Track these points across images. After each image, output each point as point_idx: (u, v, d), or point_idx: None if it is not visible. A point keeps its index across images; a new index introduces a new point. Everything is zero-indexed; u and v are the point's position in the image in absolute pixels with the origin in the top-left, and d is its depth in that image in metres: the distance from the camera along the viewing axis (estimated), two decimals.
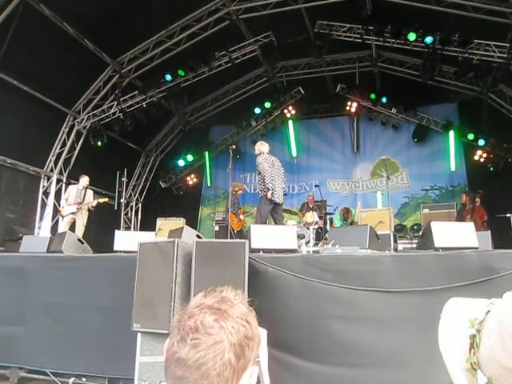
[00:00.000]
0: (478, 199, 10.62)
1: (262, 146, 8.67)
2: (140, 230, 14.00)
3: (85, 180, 10.29)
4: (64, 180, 12.44)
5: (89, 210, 10.20)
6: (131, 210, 15.66)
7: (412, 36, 10.31)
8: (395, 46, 11.04)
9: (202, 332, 0.95)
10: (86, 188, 10.31)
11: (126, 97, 12.63)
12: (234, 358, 0.95)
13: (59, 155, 12.38)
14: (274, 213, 8.58)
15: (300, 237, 7.69)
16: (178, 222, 11.38)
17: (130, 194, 15.57)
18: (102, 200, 10.32)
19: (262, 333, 1.16)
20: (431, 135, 13.52)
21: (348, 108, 13.86)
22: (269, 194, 8.18)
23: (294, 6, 10.92)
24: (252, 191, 15.07)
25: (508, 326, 0.72)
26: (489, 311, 0.81)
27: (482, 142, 12.45)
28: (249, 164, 15.29)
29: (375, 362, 4.17)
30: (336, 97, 13.85)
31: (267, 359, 1.15)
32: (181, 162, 15.45)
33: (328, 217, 10.74)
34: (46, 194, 12.14)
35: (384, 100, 13.50)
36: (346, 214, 10.76)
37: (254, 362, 1.02)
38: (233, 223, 10.62)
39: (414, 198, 13.42)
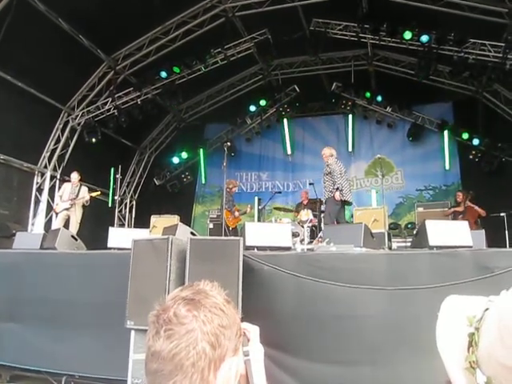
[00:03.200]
0: (468, 201, 10.66)
1: (331, 150, 9.22)
2: (134, 227, 13.95)
3: (74, 176, 10.26)
4: (58, 177, 12.38)
5: (83, 206, 10.16)
6: (125, 207, 15.61)
7: (408, 35, 10.31)
8: (391, 44, 11.06)
9: (174, 322, 0.95)
10: (81, 184, 10.27)
11: (120, 93, 12.57)
12: (209, 347, 0.94)
13: (53, 152, 12.32)
14: (338, 213, 8.73)
15: (294, 235, 7.70)
16: (173, 219, 11.33)
17: (125, 191, 15.52)
18: (94, 194, 10.28)
19: (254, 330, 1.14)
20: (426, 134, 13.54)
21: (343, 106, 13.83)
22: (337, 195, 8.35)
23: (290, 4, 10.90)
24: (248, 190, 15.07)
25: (507, 324, 0.72)
26: (487, 309, 0.80)
27: (476, 142, 12.46)
28: (244, 162, 15.29)
29: (370, 360, 4.17)
30: (331, 95, 13.82)
31: (262, 357, 1.13)
32: (175, 160, 15.40)
33: (323, 215, 10.73)
34: (40, 190, 12.08)
35: (379, 99, 13.50)
36: None
37: (233, 352, 1.01)
38: (228, 220, 10.63)
39: (408, 199, 13.42)
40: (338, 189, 8.46)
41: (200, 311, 0.97)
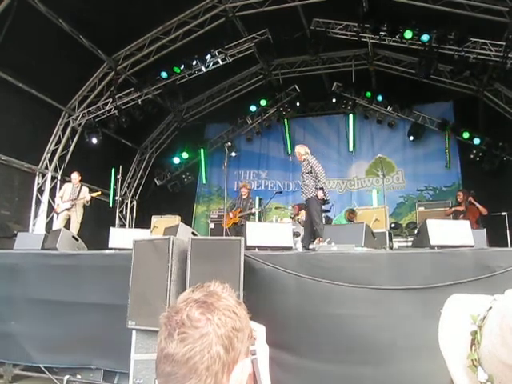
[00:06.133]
0: (470, 198, 10.63)
1: (305, 148, 8.91)
2: (135, 228, 13.96)
3: (74, 176, 10.27)
4: (59, 177, 12.39)
5: (84, 206, 10.16)
6: (126, 208, 15.62)
7: (408, 34, 10.29)
8: (391, 44, 11.04)
9: (188, 326, 0.94)
10: (81, 185, 10.27)
11: (121, 94, 12.57)
12: (223, 351, 0.94)
13: (54, 152, 12.32)
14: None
15: (295, 234, 7.70)
16: (173, 219, 11.33)
17: (125, 192, 15.52)
18: (95, 194, 10.28)
19: (260, 329, 1.14)
20: (427, 134, 13.51)
21: (344, 106, 13.82)
22: (320, 194, 8.24)
23: (291, 4, 10.90)
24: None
25: (509, 322, 0.72)
26: (491, 308, 0.80)
27: (477, 141, 12.44)
28: (243, 161, 15.30)
29: (371, 359, 4.17)
30: (332, 95, 13.82)
31: (267, 356, 1.13)
32: (176, 160, 15.39)
33: (324, 214, 10.72)
34: (41, 191, 12.09)
35: (380, 98, 13.48)
36: (352, 214, 10.95)
37: (245, 355, 1.00)
38: (223, 222, 10.76)
39: (409, 198, 13.41)
40: (322, 188, 8.38)
41: (214, 314, 0.96)
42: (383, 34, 10.72)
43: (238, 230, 10.55)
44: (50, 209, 11.76)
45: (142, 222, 13.13)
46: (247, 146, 15.45)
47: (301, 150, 8.90)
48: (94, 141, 12.50)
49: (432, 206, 11.87)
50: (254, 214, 11.31)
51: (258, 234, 5.33)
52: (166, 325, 0.97)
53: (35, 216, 11.77)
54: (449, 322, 0.86)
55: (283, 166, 15.06)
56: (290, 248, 5.29)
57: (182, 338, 0.93)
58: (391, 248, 7.03)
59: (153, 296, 4.25)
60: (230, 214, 11.22)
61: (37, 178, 12.04)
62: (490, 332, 0.76)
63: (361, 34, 11.12)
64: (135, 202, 16.09)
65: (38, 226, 11.67)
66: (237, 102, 14.84)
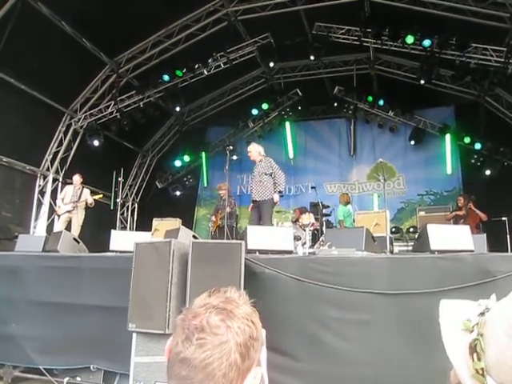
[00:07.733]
0: (470, 204, 10.63)
1: (261, 148, 8.77)
2: (136, 230, 13.96)
3: (76, 179, 10.28)
4: (60, 179, 12.41)
5: (86, 209, 10.17)
6: (127, 210, 15.64)
7: (410, 39, 10.33)
8: (393, 48, 11.06)
9: (207, 332, 0.94)
10: (83, 187, 10.29)
11: (123, 96, 12.61)
12: (240, 359, 0.94)
13: (56, 154, 12.36)
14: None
15: (296, 238, 7.69)
16: (175, 222, 11.33)
17: (127, 194, 15.55)
18: (96, 196, 10.31)
19: (262, 333, 1.15)
20: (428, 138, 13.52)
21: (345, 110, 13.83)
22: (276, 197, 8.19)
23: (293, 8, 10.94)
24: (248, 192, 15.08)
25: None
26: (481, 313, 0.81)
27: (478, 146, 12.45)
28: (245, 165, 15.27)
29: (371, 363, 4.17)
30: (333, 99, 13.84)
31: (266, 360, 1.15)
32: (177, 163, 15.41)
33: (324, 218, 10.74)
34: (42, 193, 12.12)
35: (381, 103, 13.48)
36: (347, 196, 11.22)
37: (257, 362, 1.01)
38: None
39: (410, 204, 13.41)
40: (280, 192, 8.33)
41: (233, 322, 0.97)
42: (385, 38, 10.75)
43: (222, 232, 10.46)
44: (51, 211, 11.77)
45: (143, 225, 13.12)
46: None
47: (257, 149, 8.79)
48: (96, 143, 12.51)
49: (433, 210, 11.87)
50: (232, 214, 11.22)
51: (259, 237, 5.33)
52: (183, 328, 0.97)
53: (36, 218, 11.79)
54: (448, 330, 0.86)
55: (284, 170, 14.95)
56: (290, 252, 5.30)
57: (201, 344, 0.93)
58: (392, 252, 7.03)
59: (153, 299, 4.25)
60: (213, 218, 11.30)
61: (38, 179, 12.07)
62: (496, 340, 0.76)
63: (362, 39, 11.14)
64: (136, 205, 16.11)
65: (39, 228, 11.68)
66: (238, 106, 14.87)
